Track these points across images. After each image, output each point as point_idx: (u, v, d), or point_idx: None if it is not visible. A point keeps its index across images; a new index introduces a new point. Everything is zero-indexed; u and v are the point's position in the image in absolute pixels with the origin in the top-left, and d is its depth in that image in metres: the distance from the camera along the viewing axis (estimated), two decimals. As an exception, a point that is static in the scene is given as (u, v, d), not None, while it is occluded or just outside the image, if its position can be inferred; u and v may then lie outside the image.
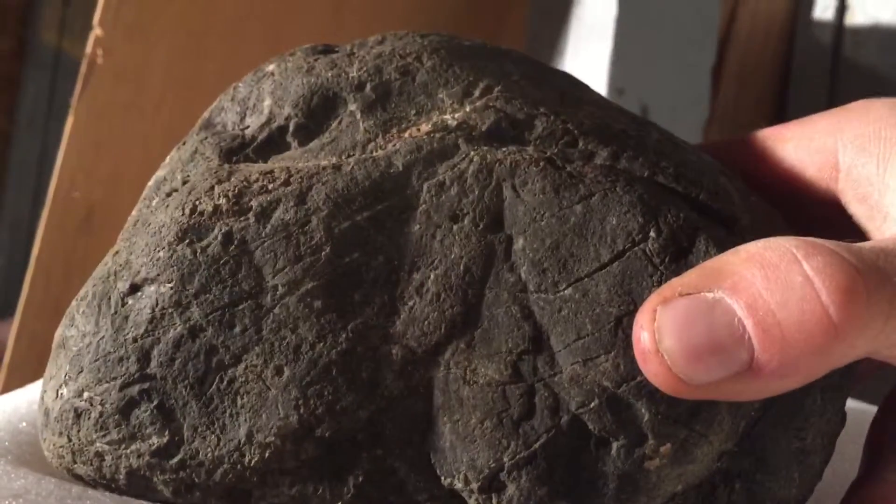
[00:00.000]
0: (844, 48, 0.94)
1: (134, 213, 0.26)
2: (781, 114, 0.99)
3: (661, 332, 0.19)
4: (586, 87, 0.27)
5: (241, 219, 0.23)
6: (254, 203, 0.23)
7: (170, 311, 0.22)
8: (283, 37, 0.65)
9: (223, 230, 0.23)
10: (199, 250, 0.23)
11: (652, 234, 0.22)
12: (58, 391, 0.23)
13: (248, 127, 0.26)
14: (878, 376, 0.28)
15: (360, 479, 0.21)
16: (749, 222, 0.23)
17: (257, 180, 0.23)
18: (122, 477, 0.23)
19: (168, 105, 0.62)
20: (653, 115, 0.70)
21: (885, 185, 0.23)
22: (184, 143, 0.26)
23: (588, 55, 0.70)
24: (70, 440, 0.23)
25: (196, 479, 0.22)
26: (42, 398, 0.24)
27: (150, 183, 0.26)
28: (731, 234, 0.22)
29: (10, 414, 0.29)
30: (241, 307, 0.22)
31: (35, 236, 0.60)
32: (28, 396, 0.31)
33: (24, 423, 0.28)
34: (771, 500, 0.23)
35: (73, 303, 0.25)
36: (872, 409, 0.26)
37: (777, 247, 0.19)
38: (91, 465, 0.23)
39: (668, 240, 0.22)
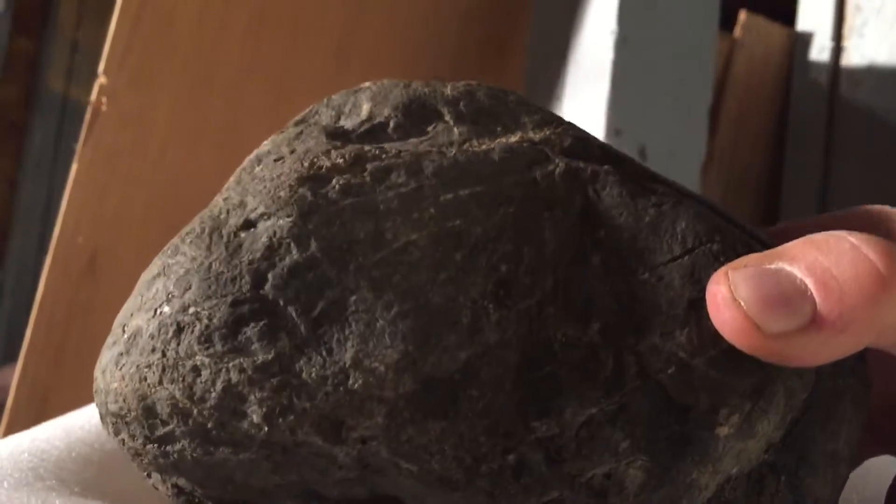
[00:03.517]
0: (840, 89, 0.95)
1: (231, 179, 0.26)
2: (779, 153, 0.99)
3: (735, 286, 0.22)
4: None
5: (358, 176, 0.24)
6: (369, 166, 0.24)
7: (287, 241, 0.23)
8: (285, 85, 0.66)
9: (341, 182, 0.24)
10: (319, 194, 0.24)
11: (717, 238, 0.24)
12: (156, 311, 0.23)
13: (345, 126, 0.27)
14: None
15: (452, 417, 0.22)
16: None
17: (370, 150, 0.25)
18: (214, 394, 0.22)
19: (171, 152, 0.62)
20: (651, 156, 0.71)
21: None
22: (282, 132, 0.27)
23: (586, 97, 0.71)
24: (164, 355, 0.23)
25: (295, 400, 0.22)
26: (123, 329, 0.24)
27: (251, 156, 0.27)
28: None
29: (13, 448, 0.29)
30: (356, 248, 0.23)
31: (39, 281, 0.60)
32: (31, 434, 0.31)
33: (26, 455, 0.29)
34: (811, 497, 0.24)
35: (175, 239, 0.25)
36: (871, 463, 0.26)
37: (822, 232, 0.22)
38: (182, 381, 0.23)
39: (730, 246, 0.24)
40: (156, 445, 0.24)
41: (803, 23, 1.00)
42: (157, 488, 0.26)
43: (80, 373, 0.61)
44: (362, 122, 0.27)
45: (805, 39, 0.99)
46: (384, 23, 0.73)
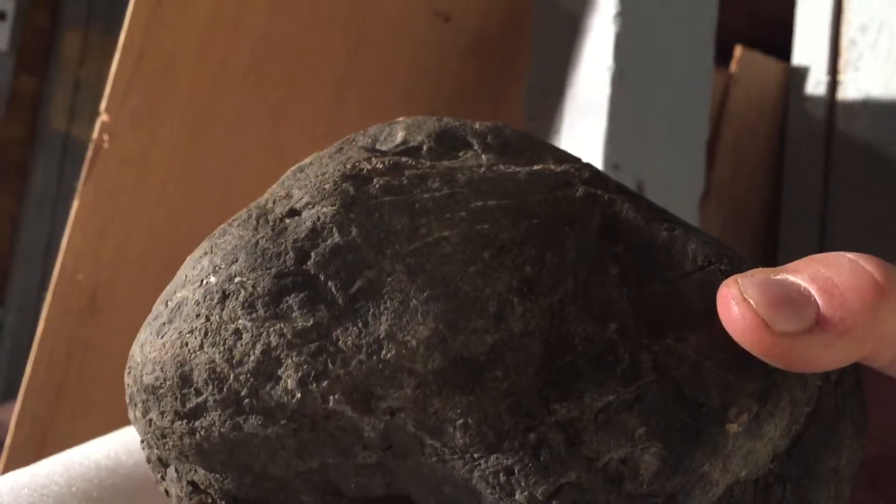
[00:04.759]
0: (837, 122, 0.96)
1: (275, 184, 0.28)
2: (777, 186, 1.00)
3: (745, 288, 0.23)
4: None
5: (396, 179, 0.26)
6: (406, 172, 0.26)
7: (330, 225, 0.25)
8: (285, 122, 0.67)
9: (381, 182, 0.26)
10: (360, 190, 0.26)
11: (725, 260, 0.26)
12: (202, 281, 0.25)
13: (381, 149, 0.29)
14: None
15: (478, 393, 0.23)
16: None
17: (407, 161, 0.27)
18: (252, 358, 0.23)
19: (172, 189, 0.63)
20: (648, 189, 0.71)
21: None
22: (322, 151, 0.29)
23: (583, 132, 0.71)
24: (208, 319, 0.24)
25: (330, 366, 0.23)
26: (166, 304, 0.25)
27: (293, 168, 0.28)
28: None
29: (13, 484, 0.30)
30: (393, 237, 0.25)
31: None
32: (31, 471, 0.32)
33: (26, 490, 0.29)
34: None
35: (222, 225, 0.26)
36: None
37: (822, 253, 0.24)
38: (223, 345, 0.24)
39: (738, 268, 0.25)
40: (185, 422, 0.24)
41: (799, 57, 1.01)
42: (168, 493, 0.26)
43: (80, 410, 0.61)
44: (397, 146, 0.28)
45: (801, 73, 1.00)
46: (384, 59, 0.74)
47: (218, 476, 0.25)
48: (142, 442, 0.26)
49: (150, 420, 0.25)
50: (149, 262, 0.62)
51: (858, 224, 0.94)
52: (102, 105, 0.59)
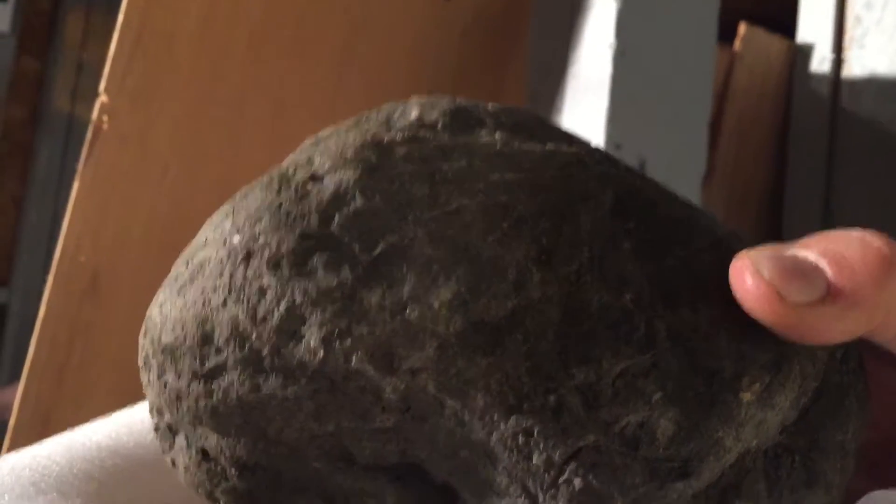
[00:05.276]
0: (841, 100, 0.95)
1: (292, 154, 0.28)
2: (781, 165, 1.00)
3: (758, 261, 0.23)
4: None
5: (415, 150, 0.27)
6: (426, 144, 0.27)
7: (353, 190, 0.25)
8: (286, 104, 0.67)
9: (402, 152, 0.26)
10: (382, 157, 0.26)
11: (736, 240, 0.26)
12: (225, 241, 0.25)
13: (397, 125, 0.29)
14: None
15: (499, 355, 0.24)
16: None
17: (426, 134, 0.28)
18: (276, 315, 0.24)
19: (172, 170, 0.63)
20: (651, 168, 0.71)
21: None
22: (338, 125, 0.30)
23: (585, 111, 0.71)
24: (232, 277, 0.24)
25: (353, 324, 0.23)
26: (187, 264, 0.25)
27: (310, 139, 0.29)
28: None
29: (14, 464, 0.30)
30: (415, 203, 0.25)
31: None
32: (32, 451, 0.32)
33: (28, 470, 0.29)
34: (823, 479, 0.26)
35: (243, 189, 0.27)
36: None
37: (828, 231, 0.25)
38: (247, 303, 0.24)
39: (748, 245, 0.26)
40: (202, 382, 0.24)
41: (803, 34, 1.00)
42: (174, 464, 0.26)
43: (83, 391, 0.62)
44: (412, 122, 0.29)
45: (805, 51, 1.00)
46: (385, 40, 0.74)
47: (231, 441, 0.25)
48: (151, 410, 0.26)
49: (166, 382, 0.25)
50: (150, 243, 0.62)
51: (863, 201, 0.94)
52: (101, 86, 0.59)
